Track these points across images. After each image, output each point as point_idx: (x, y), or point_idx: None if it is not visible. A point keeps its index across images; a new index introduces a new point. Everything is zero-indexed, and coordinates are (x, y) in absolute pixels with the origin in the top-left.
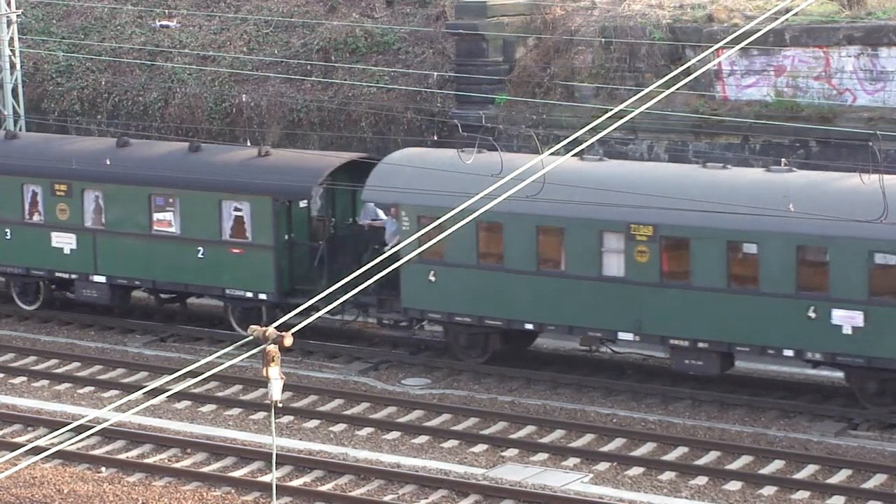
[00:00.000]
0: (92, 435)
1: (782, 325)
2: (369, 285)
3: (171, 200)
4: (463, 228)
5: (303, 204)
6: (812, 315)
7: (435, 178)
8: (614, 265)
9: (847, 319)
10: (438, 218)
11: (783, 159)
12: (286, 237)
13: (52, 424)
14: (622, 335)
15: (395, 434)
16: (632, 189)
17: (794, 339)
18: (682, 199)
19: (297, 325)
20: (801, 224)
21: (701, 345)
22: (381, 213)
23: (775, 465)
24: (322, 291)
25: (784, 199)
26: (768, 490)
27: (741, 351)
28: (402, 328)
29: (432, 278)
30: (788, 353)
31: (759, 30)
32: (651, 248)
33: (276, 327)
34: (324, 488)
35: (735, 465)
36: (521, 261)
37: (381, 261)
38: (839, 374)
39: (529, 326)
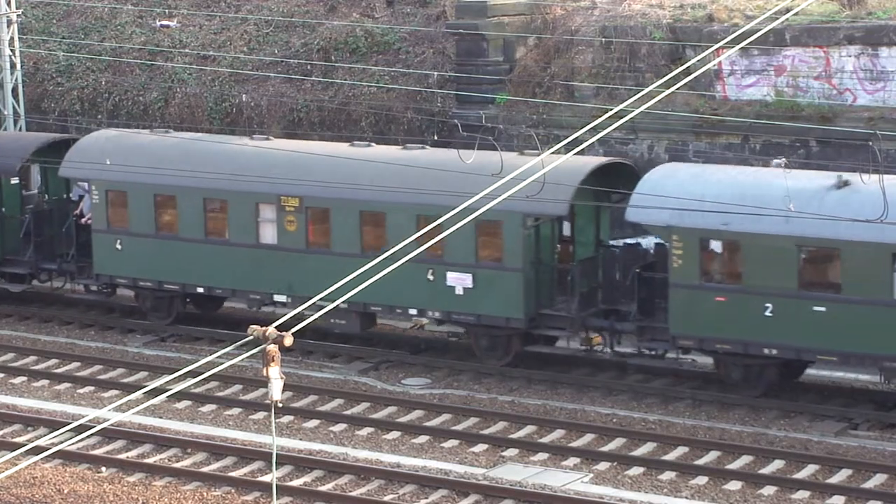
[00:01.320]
0: (92, 435)
1: (408, 287)
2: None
3: None
4: (144, 200)
5: (14, 181)
6: (431, 278)
7: (123, 156)
8: (269, 234)
9: (458, 281)
10: (125, 192)
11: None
12: None
13: (53, 424)
14: (277, 297)
15: (395, 434)
16: (282, 165)
17: (417, 300)
18: (325, 174)
19: (296, 325)
20: (422, 197)
21: (343, 305)
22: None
23: (775, 465)
24: (28, 261)
25: (404, 174)
26: (768, 490)
27: (376, 310)
28: (100, 293)
29: (119, 246)
30: (413, 311)
31: (760, 29)
32: (298, 218)
33: (276, 327)
34: (324, 488)
35: (735, 465)
36: (192, 230)
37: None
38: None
39: (200, 290)
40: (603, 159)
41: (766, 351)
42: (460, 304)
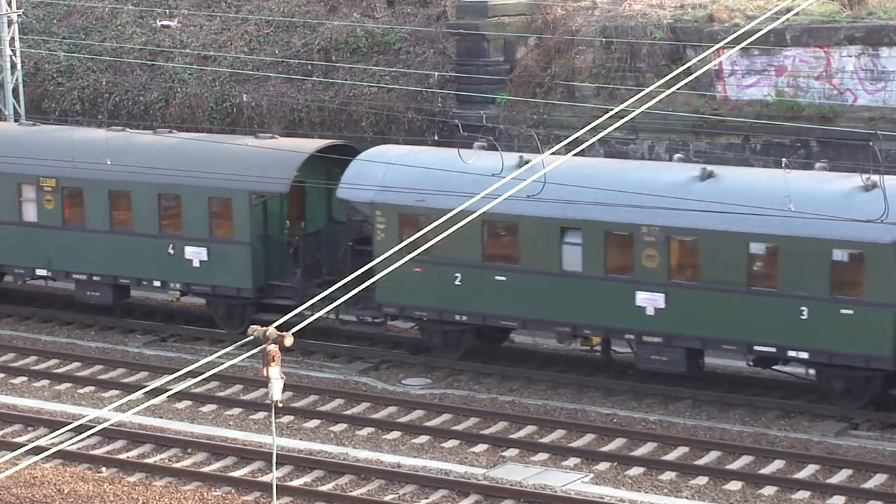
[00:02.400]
0: (92, 435)
1: (153, 261)
2: None
3: None
4: None
5: None
6: (171, 252)
7: None
8: (30, 212)
9: (195, 255)
10: None
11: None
12: None
13: (53, 424)
14: (39, 272)
15: (395, 434)
16: (42, 148)
17: (161, 273)
18: (78, 157)
19: (297, 324)
20: (161, 177)
21: (96, 278)
22: None
23: (776, 465)
24: None
25: (148, 155)
26: (769, 490)
27: (125, 283)
28: None
29: None
30: (157, 283)
31: (760, 30)
32: (55, 198)
33: (276, 327)
34: (324, 488)
35: (735, 465)
36: None
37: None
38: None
39: None
40: (324, 142)
41: (457, 317)
42: (197, 276)
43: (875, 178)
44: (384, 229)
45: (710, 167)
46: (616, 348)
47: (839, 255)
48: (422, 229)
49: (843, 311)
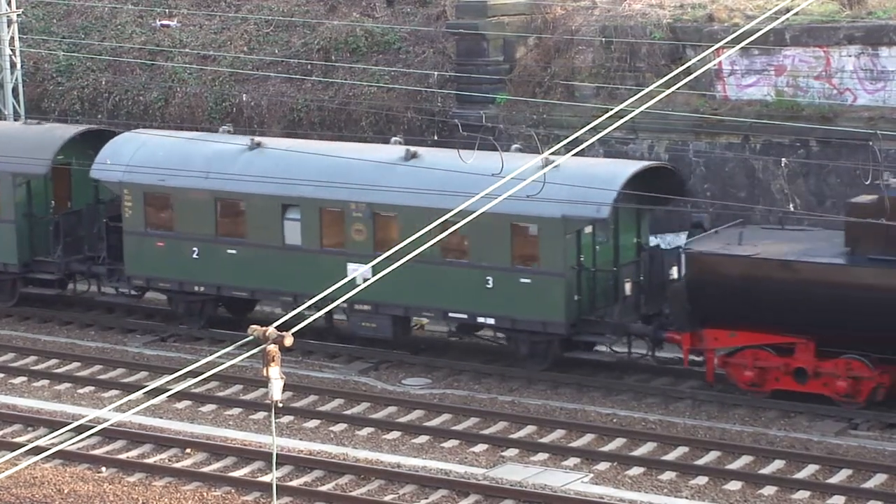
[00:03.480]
0: (92, 435)
1: None
2: None
3: None
4: None
5: None
6: None
7: None
8: None
9: None
10: None
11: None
12: None
13: (53, 424)
14: None
15: (395, 434)
16: None
17: None
18: None
19: (297, 324)
20: None
21: None
22: None
23: (776, 465)
24: None
25: None
26: (769, 490)
27: None
28: None
29: None
30: None
31: (760, 29)
32: None
33: (276, 327)
34: (324, 488)
35: (735, 465)
36: None
37: None
38: None
39: None
40: (85, 127)
41: (196, 288)
42: None
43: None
44: (131, 207)
45: (414, 148)
46: (337, 317)
47: (518, 229)
48: (164, 207)
49: (522, 280)
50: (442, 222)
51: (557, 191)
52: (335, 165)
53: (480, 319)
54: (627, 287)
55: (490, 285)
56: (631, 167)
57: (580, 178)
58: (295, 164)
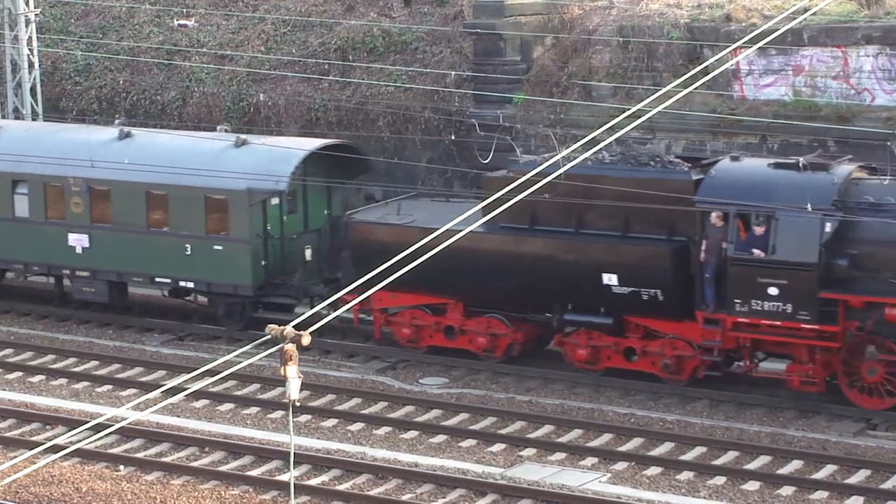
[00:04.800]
0: (110, 433)
1: None
2: None
3: None
4: None
5: None
6: None
7: None
8: None
9: None
10: None
11: None
12: None
13: (71, 423)
14: None
15: (412, 433)
16: None
17: None
18: None
19: (315, 324)
20: None
21: None
22: None
23: (793, 465)
24: None
25: None
26: (786, 490)
27: None
28: None
29: None
30: None
31: (777, 29)
32: None
33: (293, 326)
34: (341, 487)
35: (753, 465)
36: None
37: None
38: None
39: None
40: None
41: None
42: None
43: (244, 136)
44: None
45: (128, 129)
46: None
47: (211, 201)
48: None
49: (216, 247)
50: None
51: (245, 165)
52: (59, 144)
53: (182, 284)
54: (308, 253)
55: (189, 252)
56: (310, 145)
57: (267, 155)
58: (26, 142)
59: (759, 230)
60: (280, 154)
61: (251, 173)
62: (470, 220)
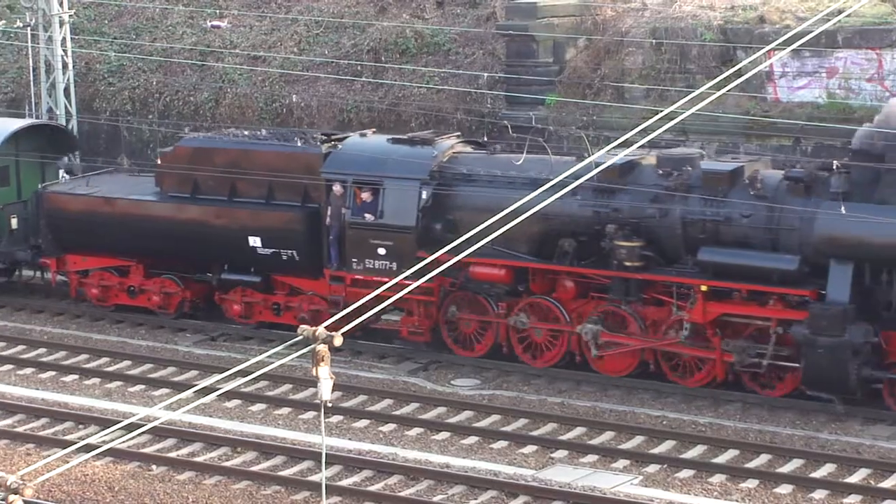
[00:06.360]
0: (142, 433)
1: None
2: None
3: None
4: None
5: None
6: None
7: None
8: None
9: None
10: None
11: None
12: None
13: (103, 422)
14: None
15: (444, 434)
16: None
17: None
18: None
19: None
20: None
21: None
22: None
23: (826, 469)
24: None
25: None
26: (819, 494)
27: None
28: None
29: None
30: None
31: (811, 31)
32: None
33: (325, 327)
34: (373, 488)
35: (786, 469)
36: None
37: None
38: None
39: None
40: None
41: None
42: None
43: None
44: None
45: None
46: None
47: None
48: None
49: None
50: None
51: None
52: None
53: None
54: (14, 222)
55: None
56: (14, 125)
57: None
58: None
59: (369, 198)
60: None
61: None
62: (146, 190)
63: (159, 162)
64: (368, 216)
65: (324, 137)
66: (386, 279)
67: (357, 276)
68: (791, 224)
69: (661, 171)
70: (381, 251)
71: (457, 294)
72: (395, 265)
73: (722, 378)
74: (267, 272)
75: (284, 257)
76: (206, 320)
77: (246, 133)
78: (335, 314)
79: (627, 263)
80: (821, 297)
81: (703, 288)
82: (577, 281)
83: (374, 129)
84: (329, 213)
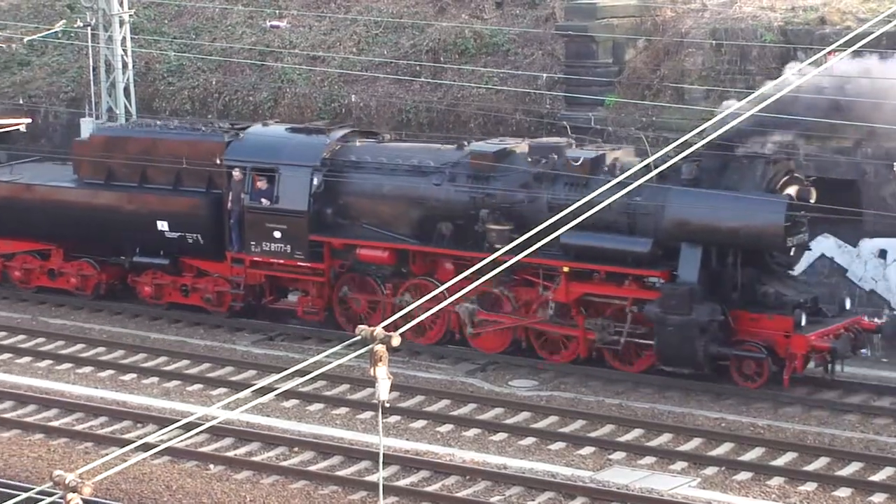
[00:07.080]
0: (200, 432)
1: None
2: None
3: None
4: None
5: None
6: None
7: None
8: None
9: None
10: None
11: None
12: None
13: (161, 421)
14: None
15: (501, 435)
16: None
17: None
18: None
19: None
20: None
21: None
22: None
23: (886, 472)
24: None
25: None
26: (878, 497)
27: None
28: None
29: None
30: None
31: (872, 32)
32: None
33: (383, 327)
34: (430, 489)
35: (845, 472)
36: None
37: None
38: None
39: None
40: None
41: None
42: None
43: None
44: None
45: None
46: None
47: None
48: None
49: None
50: None
51: None
52: None
53: None
54: None
55: None
56: None
57: None
58: None
59: (265, 184)
60: None
61: None
62: (65, 177)
63: (74, 150)
64: (265, 201)
65: (228, 127)
66: (282, 261)
67: (256, 259)
68: (645, 209)
69: (530, 159)
70: (277, 234)
71: (347, 276)
72: (289, 248)
73: (585, 355)
74: (175, 255)
75: (190, 241)
76: (264, 320)
77: (158, 123)
78: (237, 295)
79: (498, 246)
80: (673, 278)
81: (566, 269)
82: (456, 263)
83: (276, 119)
84: (230, 198)
